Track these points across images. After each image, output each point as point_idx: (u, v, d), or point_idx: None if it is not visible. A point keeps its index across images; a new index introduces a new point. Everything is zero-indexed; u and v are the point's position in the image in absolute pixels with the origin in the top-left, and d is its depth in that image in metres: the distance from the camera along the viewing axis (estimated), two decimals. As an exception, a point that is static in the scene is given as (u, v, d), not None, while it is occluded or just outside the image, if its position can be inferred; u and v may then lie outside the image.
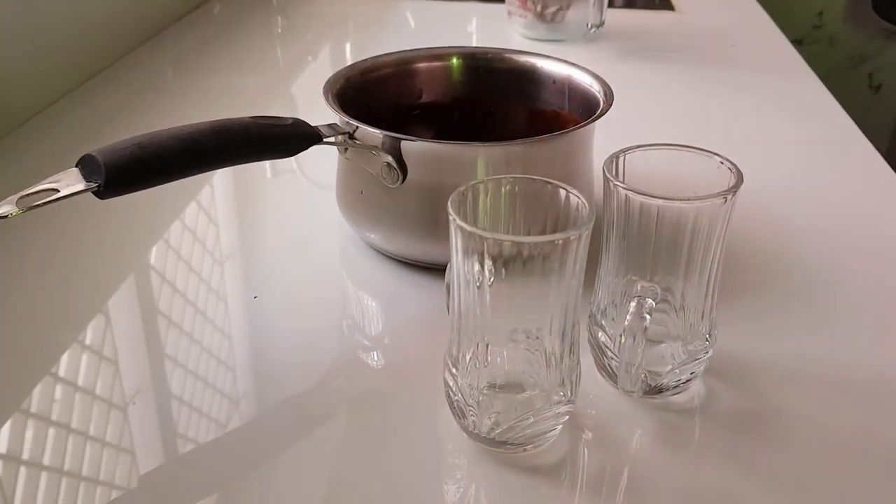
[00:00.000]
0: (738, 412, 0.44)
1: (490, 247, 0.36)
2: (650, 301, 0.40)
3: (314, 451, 0.42)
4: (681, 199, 0.39)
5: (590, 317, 0.45)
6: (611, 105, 0.53)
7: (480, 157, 0.50)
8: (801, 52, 0.98)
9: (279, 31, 1.09)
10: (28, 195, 0.40)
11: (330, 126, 0.52)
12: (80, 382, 0.46)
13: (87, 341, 0.49)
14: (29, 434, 0.43)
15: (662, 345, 0.43)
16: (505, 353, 0.40)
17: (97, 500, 0.40)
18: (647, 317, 0.39)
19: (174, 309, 0.53)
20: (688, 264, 0.41)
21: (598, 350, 0.45)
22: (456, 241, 0.37)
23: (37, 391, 0.45)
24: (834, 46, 1.70)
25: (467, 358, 0.40)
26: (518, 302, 0.38)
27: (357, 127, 0.51)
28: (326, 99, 0.54)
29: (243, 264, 0.58)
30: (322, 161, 0.59)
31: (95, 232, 0.60)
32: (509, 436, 0.40)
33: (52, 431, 0.43)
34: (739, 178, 0.40)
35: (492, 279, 0.37)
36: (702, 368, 0.44)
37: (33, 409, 0.44)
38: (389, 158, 0.50)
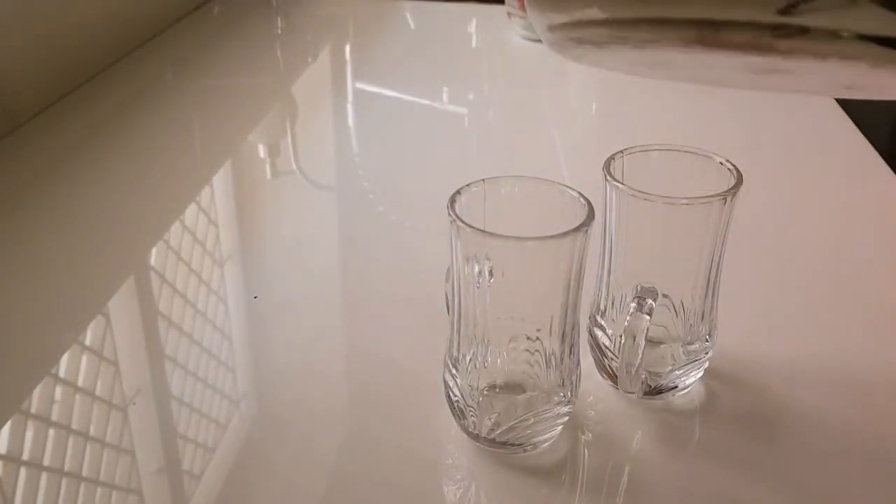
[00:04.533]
0: (738, 413, 0.44)
1: (490, 247, 0.36)
2: (650, 302, 0.40)
3: (314, 451, 0.42)
4: (681, 200, 0.40)
5: (590, 318, 0.45)
6: None
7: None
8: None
9: (279, 31, 1.09)
10: None
11: None
12: (80, 383, 0.46)
13: (87, 342, 0.49)
14: (29, 434, 0.43)
15: (663, 346, 0.43)
16: (505, 353, 0.40)
17: (97, 501, 0.40)
18: (648, 318, 0.39)
19: (174, 310, 0.53)
20: (688, 265, 0.41)
21: (599, 351, 0.45)
22: (456, 242, 0.37)
23: (37, 392, 0.45)
24: (834, 47, 1.70)
25: (467, 359, 0.40)
26: (518, 302, 0.39)
27: None
28: None
29: (243, 265, 0.58)
30: (322, 161, 0.59)
31: (95, 232, 0.60)
32: (509, 436, 0.40)
33: (52, 432, 0.43)
34: (739, 179, 0.40)
35: (492, 279, 0.37)
36: (702, 369, 0.44)
37: (33, 410, 0.44)
38: None
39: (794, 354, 0.48)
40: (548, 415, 0.40)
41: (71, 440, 0.42)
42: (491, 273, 0.37)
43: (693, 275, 0.42)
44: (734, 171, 0.41)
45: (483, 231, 0.36)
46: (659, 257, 0.42)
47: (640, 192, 0.40)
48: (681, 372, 0.43)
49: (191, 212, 0.63)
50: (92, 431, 0.43)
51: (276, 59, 1.00)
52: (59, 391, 0.46)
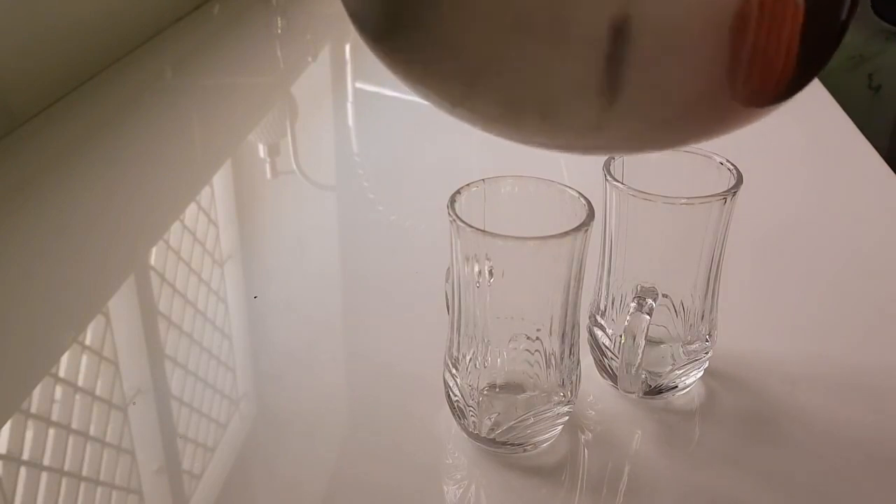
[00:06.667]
0: (738, 413, 0.44)
1: (490, 247, 0.36)
2: (650, 301, 0.40)
3: (314, 451, 0.42)
4: (681, 200, 0.40)
5: (590, 317, 0.45)
6: None
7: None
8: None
9: (279, 31, 1.09)
10: None
11: None
12: (80, 382, 0.46)
13: (87, 341, 0.49)
14: (29, 434, 0.43)
15: (663, 345, 0.43)
16: (505, 353, 0.40)
17: (97, 500, 0.40)
18: (648, 317, 0.39)
19: (174, 309, 0.53)
20: (688, 265, 0.41)
21: (599, 351, 0.45)
22: (456, 242, 0.37)
23: (37, 391, 0.45)
24: (833, 47, 1.69)
25: (467, 358, 0.40)
26: (518, 302, 0.39)
27: None
28: None
29: (243, 264, 0.58)
30: (322, 161, 0.59)
31: (96, 232, 0.60)
32: (509, 436, 0.40)
33: (52, 431, 0.43)
34: (739, 179, 0.40)
35: (492, 279, 0.37)
36: (702, 369, 0.44)
37: (33, 410, 0.44)
38: None
39: (794, 354, 0.48)
40: (548, 414, 0.40)
41: (71, 440, 0.42)
42: (491, 273, 0.37)
43: (693, 275, 0.42)
44: (734, 171, 0.41)
45: (483, 231, 0.36)
46: (659, 257, 0.42)
47: (640, 192, 0.40)
48: (681, 372, 0.43)
49: (191, 212, 0.63)
50: (92, 431, 0.43)
51: (276, 58, 1.00)
52: (59, 391, 0.46)
